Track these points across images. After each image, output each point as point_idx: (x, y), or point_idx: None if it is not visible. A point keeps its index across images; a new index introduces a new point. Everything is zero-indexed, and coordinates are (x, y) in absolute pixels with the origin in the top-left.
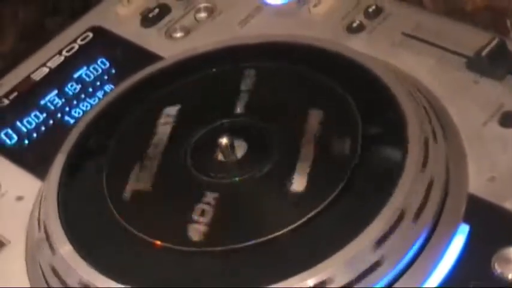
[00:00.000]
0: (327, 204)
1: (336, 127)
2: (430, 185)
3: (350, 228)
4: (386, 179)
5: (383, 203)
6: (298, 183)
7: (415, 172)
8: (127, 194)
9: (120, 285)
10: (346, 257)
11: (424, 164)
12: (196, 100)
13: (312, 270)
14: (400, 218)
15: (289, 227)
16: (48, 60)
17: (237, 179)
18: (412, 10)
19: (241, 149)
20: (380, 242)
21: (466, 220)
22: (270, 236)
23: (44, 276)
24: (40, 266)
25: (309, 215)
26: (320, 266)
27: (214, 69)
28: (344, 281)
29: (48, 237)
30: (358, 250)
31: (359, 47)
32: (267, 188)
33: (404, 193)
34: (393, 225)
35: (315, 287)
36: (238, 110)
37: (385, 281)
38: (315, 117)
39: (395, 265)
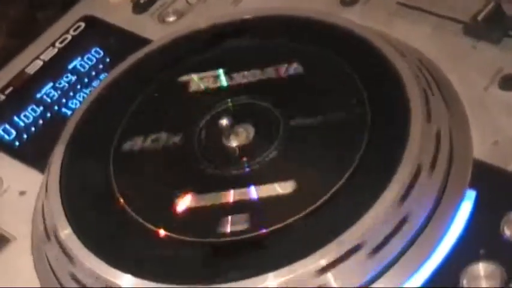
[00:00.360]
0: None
1: (341, 98)
2: (438, 136)
3: (374, 189)
4: (398, 138)
5: (399, 160)
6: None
7: (422, 124)
8: (129, 180)
9: (125, 274)
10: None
11: (429, 117)
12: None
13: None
14: (418, 171)
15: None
16: (42, 53)
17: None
18: None
19: (246, 132)
20: (404, 197)
21: (473, 186)
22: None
23: (51, 269)
24: (47, 259)
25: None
26: (352, 229)
27: (213, 46)
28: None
29: (53, 229)
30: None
31: (355, 18)
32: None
33: (417, 146)
34: (413, 179)
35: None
36: (239, 89)
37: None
38: (321, 90)
39: (421, 217)
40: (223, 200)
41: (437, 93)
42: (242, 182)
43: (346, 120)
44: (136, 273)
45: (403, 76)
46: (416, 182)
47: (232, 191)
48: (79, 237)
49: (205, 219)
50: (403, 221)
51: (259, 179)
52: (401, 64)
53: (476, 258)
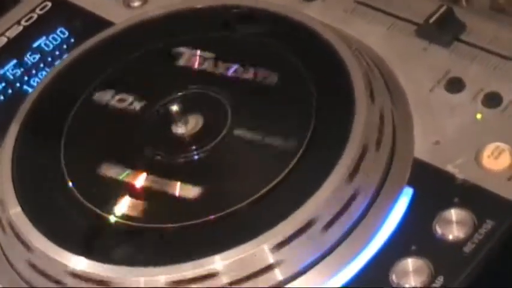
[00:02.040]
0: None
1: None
2: (381, 118)
3: (324, 167)
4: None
5: (346, 140)
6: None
7: (366, 104)
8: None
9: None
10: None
11: (372, 97)
12: (147, 68)
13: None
14: (365, 151)
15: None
16: (7, 30)
17: (195, 152)
18: None
19: (196, 120)
20: (352, 175)
21: (410, 183)
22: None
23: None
24: None
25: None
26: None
27: (165, 34)
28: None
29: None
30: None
31: (314, 14)
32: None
33: (362, 126)
34: (359, 158)
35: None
36: (192, 77)
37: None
38: (269, 79)
39: (368, 196)
40: (173, 185)
41: (384, 90)
42: (191, 168)
43: (293, 108)
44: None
45: (350, 71)
46: (363, 159)
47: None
48: (27, 216)
49: (152, 203)
50: (352, 198)
51: (207, 166)
52: (350, 59)
53: (407, 254)
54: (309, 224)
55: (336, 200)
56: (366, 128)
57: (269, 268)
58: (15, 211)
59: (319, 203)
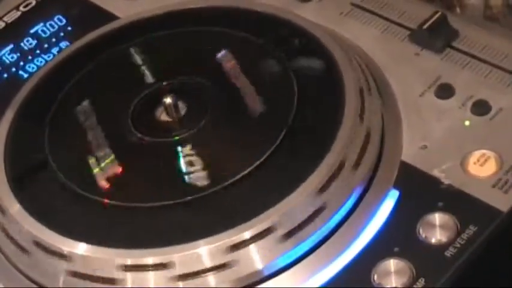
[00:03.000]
0: (270, 154)
1: (275, 87)
2: (368, 135)
3: (295, 176)
4: (327, 131)
5: (325, 152)
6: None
7: (354, 121)
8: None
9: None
10: (291, 204)
11: (361, 116)
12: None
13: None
14: (341, 165)
15: (232, 180)
16: (5, 15)
17: (177, 137)
18: None
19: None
20: (323, 189)
21: (396, 186)
22: (211, 190)
23: None
24: None
25: (255, 165)
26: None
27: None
28: (288, 227)
29: None
30: (303, 196)
31: (309, 15)
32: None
33: (344, 141)
34: (335, 172)
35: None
36: (185, 69)
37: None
38: (256, 78)
39: (336, 210)
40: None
41: (375, 93)
42: (171, 153)
43: (278, 106)
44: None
45: (342, 72)
46: (337, 176)
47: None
48: (19, 202)
49: (135, 186)
50: (319, 211)
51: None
52: (342, 60)
53: (390, 255)
54: (281, 221)
55: (319, 196)
56: (347, 146)
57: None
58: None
59: (302, 198)
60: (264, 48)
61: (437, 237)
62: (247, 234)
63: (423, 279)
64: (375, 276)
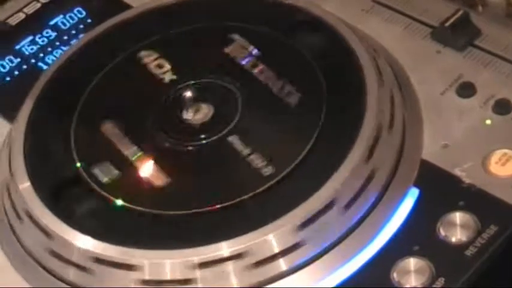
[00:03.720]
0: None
1: (298, 84)
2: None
3: (324, 172)
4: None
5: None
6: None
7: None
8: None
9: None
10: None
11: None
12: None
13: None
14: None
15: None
16: (25, 6)
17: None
18: None
19: (206, 110)
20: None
21: (417, 184)
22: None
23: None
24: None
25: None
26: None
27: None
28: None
29: (11, 177)
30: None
31: (331, 10)
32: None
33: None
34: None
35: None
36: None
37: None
38: (278, 75)
39: (375, 193)
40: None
41: (394, 89)
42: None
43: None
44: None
45: (364, 69)
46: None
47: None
48: (35, 190)
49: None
50: (370, 177)
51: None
52: (362, 56)
53: (410, 254)
54: (313, 218)
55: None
56: (377, 119)
57: (273, 258)
58: (24, 186)
59: (346, 175)
60: (289, 44)
61: (457, 236)
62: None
63: (443, 279)
64: (395, 275)
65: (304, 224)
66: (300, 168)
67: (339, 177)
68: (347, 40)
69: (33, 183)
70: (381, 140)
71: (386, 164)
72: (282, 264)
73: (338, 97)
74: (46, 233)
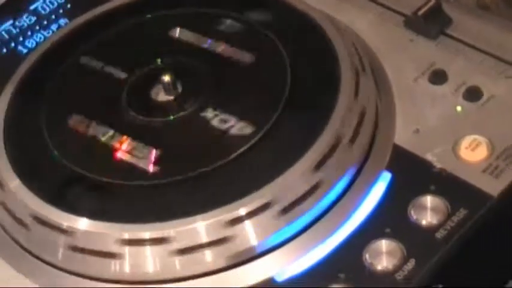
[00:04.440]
0: (267, 131)
1: (271, 65)
2: (362, 114)
3: (291, 153)
4: (323, 109)
5: (320, 131)
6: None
7: (349, 99)
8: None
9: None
10: (288, 179)
11: (356, 96)
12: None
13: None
14: (338, 142)
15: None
16: None
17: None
18: None
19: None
20: (318, 166)
21: (389, 168)
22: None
23: None
24: None
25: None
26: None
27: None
28: (283, 204)
29: None
30: (299, 174)
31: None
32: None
33: (340, 117)
34: (330, 150)
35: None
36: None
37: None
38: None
39: (330, 189)
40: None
41: (370, 76)
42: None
43: (274, 85)
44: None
45: (338, 52)
46: (332, 154)
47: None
48: (14, 171)
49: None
50: (313, 189)
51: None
52: (339, 43)
53: (381, 236)
54: (278, 197)
55: (315, 174)
56: (343, 122)
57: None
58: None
59: (298, 175)
60: (258, 28)
61: (428, 219)
62: (242, 211)
63: (414, 260)
64: (367, 256)
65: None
66: (273, 147)
67: (310, 159)
68: (323, 28)
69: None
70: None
71: (359, 148)
72: (257, 245)
73: (308, 81)
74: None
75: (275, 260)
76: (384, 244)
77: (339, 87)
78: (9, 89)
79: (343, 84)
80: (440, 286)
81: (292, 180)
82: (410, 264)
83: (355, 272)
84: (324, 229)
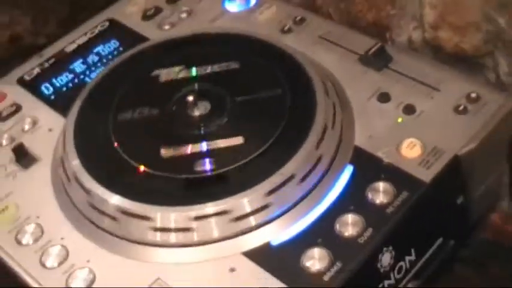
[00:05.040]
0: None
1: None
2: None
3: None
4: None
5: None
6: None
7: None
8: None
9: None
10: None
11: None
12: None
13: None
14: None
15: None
16: (77, 38)
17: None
18: (325, 21)
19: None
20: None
21: (352, 162)
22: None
23: (63, 185)
24: (61, 178)
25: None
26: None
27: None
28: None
29: (65, 155)
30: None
31: (288, 43)
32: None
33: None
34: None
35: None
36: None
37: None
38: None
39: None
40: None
41: (335, 97)
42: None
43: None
44: (118, 193)
45: (315, 85)
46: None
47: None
48: (84, 167)
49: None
50: (320, 158)
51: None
52: (313, 74)
53: (347, 211)
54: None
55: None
56: (325, 117)
57: (246, 216)
58: (75, 163)
59: (293, 167)
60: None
61: (380, 199)
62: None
63: (371, 229)
64: (337, 226)
65: (272, 191)
66: (270, 150)
67: (298, 158)
68: (303, 66)
69: (81, 160)
70: (327, 132)
71: (330, 148)
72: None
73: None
74: (87, 191)
75: (266, 232)
76: (349, 217)
77: (315, 110)
78: (77, 104)
79: (319, 108)
80: (390, 247)
81: (291, 170)
82: (369, 232)
83: (328, 238)
84: (306, 207)
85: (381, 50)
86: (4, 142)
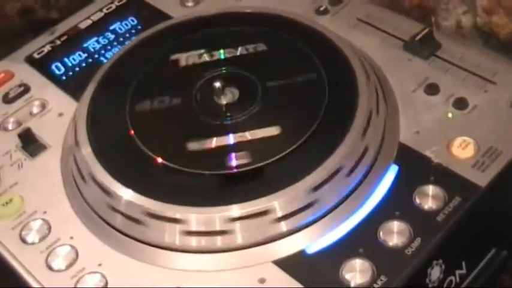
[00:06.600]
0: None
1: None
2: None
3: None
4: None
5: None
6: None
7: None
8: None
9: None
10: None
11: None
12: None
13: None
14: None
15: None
16: (92, 14)
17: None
18: (364, 1)
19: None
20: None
21: (396, 162)
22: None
23: (72, 172)
24: (71, 166)
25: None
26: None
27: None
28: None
29: (77, 143)
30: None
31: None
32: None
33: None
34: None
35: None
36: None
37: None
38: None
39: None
40: (221, 143)
41: (377, 83)
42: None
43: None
44: (129, 186)
45: (352, 64)
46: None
47: (230, 135)
48: (98, 159)
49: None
50: (363, 154)
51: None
52: (352, 56)
53: (392, 218)
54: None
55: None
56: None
57: (278, 220)
58: (88, 153)
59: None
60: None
61: (429, 204)
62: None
63: (419, 239)
64: (381, 234)
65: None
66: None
67: (342, 151)
68: (342, 49)
69: (93, 149)
70: (372, 119)
71: (373, 144)
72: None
73: (337, 90)
74: (102, 188)
75: (301, 238)
76: (395, 225)
77: (357, 103)
78: (91, 88)
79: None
80: (440, 260)
81: (328, 170)
82: (417, 242)
83: (371, 248)
84: (346, 211)
85: (429, 36)
86: (10, 126)
